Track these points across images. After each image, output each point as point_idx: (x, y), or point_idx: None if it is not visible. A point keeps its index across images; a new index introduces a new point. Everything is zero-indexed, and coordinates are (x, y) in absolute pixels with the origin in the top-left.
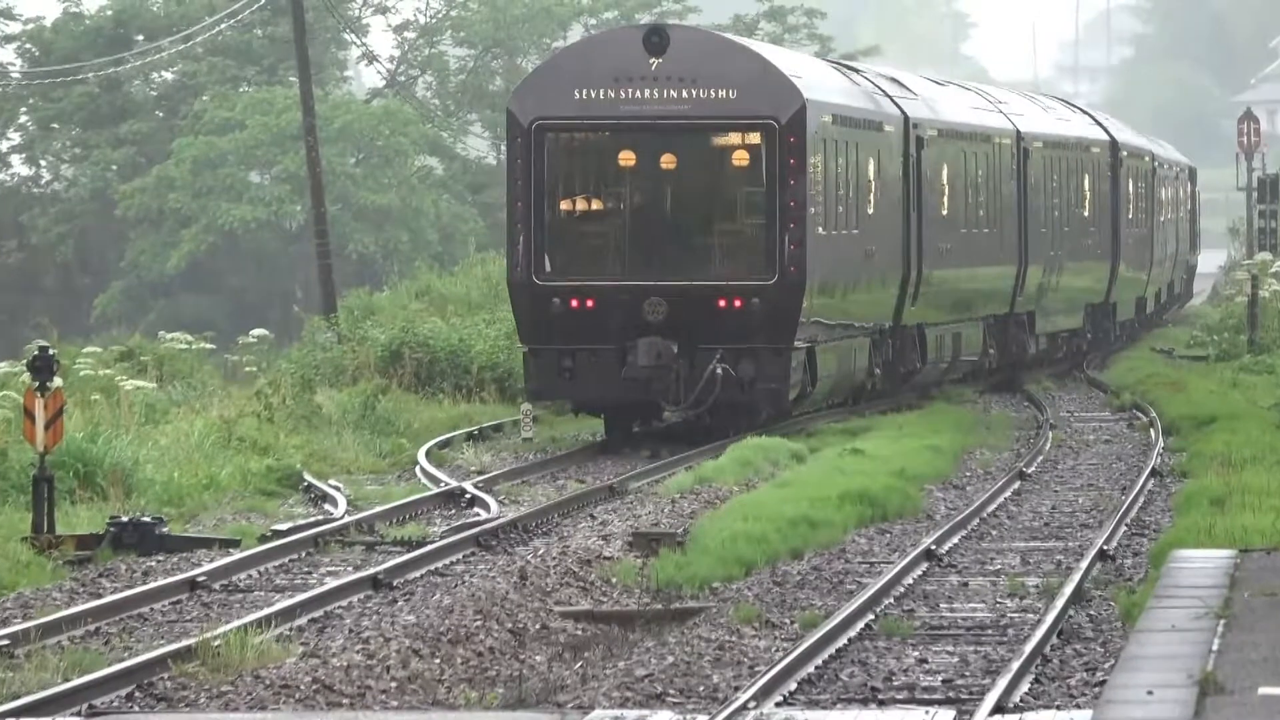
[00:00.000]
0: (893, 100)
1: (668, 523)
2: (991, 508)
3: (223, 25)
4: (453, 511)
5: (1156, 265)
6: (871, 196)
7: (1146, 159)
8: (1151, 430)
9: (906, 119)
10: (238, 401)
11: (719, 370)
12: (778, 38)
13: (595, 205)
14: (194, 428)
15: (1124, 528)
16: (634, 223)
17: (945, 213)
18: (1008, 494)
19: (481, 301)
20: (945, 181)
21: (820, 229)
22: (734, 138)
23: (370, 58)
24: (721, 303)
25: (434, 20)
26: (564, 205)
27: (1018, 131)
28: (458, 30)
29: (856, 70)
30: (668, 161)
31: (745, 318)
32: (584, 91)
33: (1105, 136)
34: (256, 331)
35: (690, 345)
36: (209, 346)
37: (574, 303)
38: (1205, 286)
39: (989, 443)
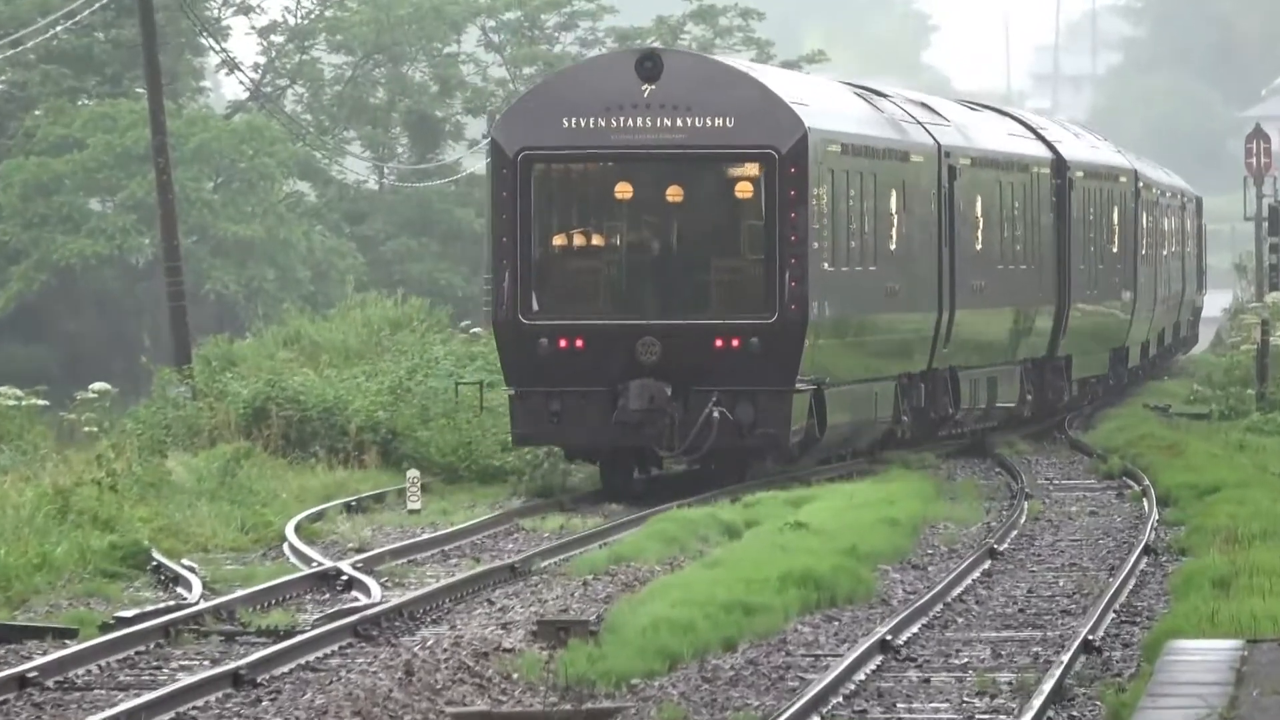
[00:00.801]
0: (924, 128)
1: (579, 608)
2: (957, 591)
3: (58, 28)
4: (327, 596)
5: (1160, 305)
6: (894, 231)
7: (1154, 190)
8: (1144, 501)
9: (939, 148)
10: (75, 467)
11: (715, 414)
12: (708, 43)
13: (585, 240)
14: (24, 498)
15: (1112, 614)
16: (626, 258)
17: (980, 248)
18: (976, 575)
19: (361, 350)
20: (980, 214)
21: (826, 264)
22: (732, 168)
23: (231, 65)
24: (718, 342)
25: (305, 22)
26: (552, 240)
27: (1060, 159)
28: (333, 34)
29: (883, 96)
30: (662, 194)
31: (743, 358)
32: (573, 120)
33: (1128, 165)
34: (97, 385)
35: (685, 387)
36: (41, 403)
37: (562, 343)
38: (1210, 332)
39: (954, 515)
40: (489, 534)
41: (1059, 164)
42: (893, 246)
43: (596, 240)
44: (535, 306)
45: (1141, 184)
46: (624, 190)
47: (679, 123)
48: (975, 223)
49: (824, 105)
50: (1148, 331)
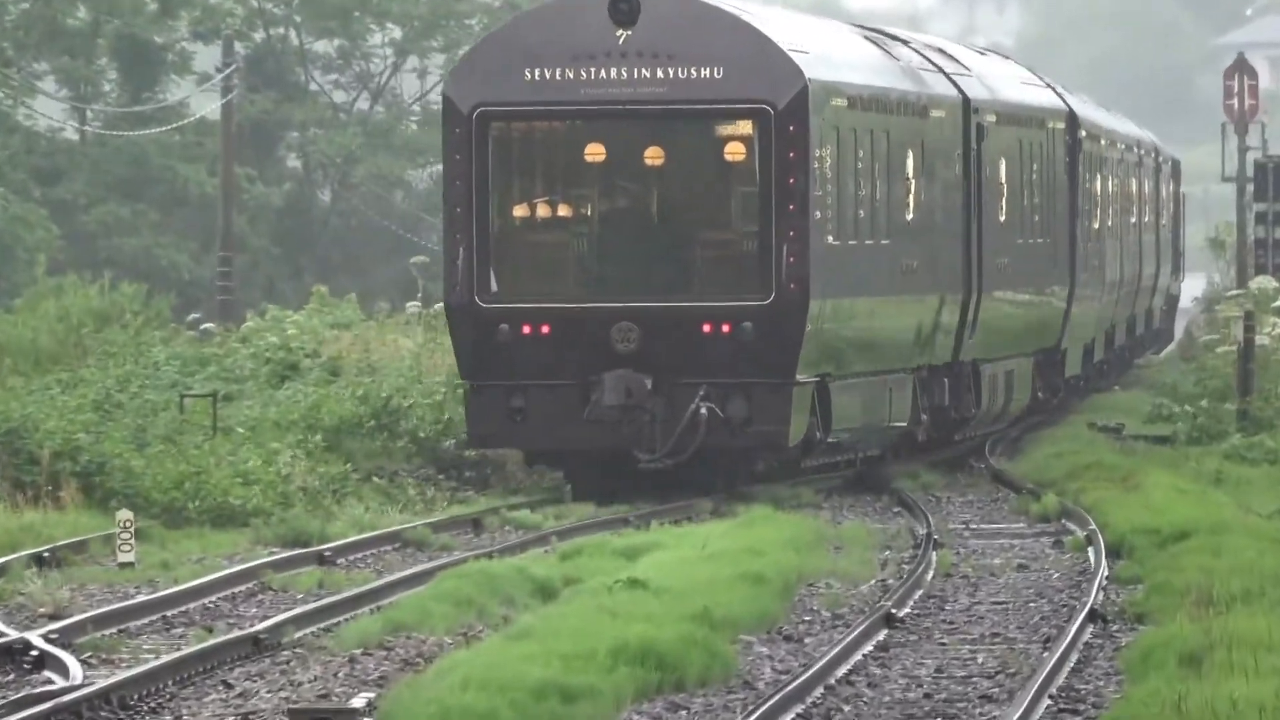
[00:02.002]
0: (948, 78)
1: (343, 693)
2: (843, 670)
3: None
4: (10, 677)
5: (1113, 292)
6: (911, 199)
7: (1101, 141)
8: (1089, 550)
9: (967, 102)
10: None
11: (703, 410)
12: None
13: (551, 210)
14: None
15: (1047, 701)
16: (599, 231)
17: (1003, 219)
18: (868, 649)
19: (56, 353)
20: (1003, 180)
21: (830, 238)
22: (721, 127)
23: None
24: (706, 328)
25: None
26: (513, 210)
27: (1071, 113)
28: None
29: (900, 41)
30: (641, 156)
31: (735, 346)
32: (537, 71)
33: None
34: None
35: (668, 380)
36: None
37: (526, 329)
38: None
39: (840, 569)
40: (225, 595)
41: (1072, 119)
42: (909, 217)
43: (564, 210)
44: (494, 287)
45: (1083, 132)
46: (596, 152)
47: (659, 74)
48: (999, 190)
49: (827, 52)
50: (1094, 328)
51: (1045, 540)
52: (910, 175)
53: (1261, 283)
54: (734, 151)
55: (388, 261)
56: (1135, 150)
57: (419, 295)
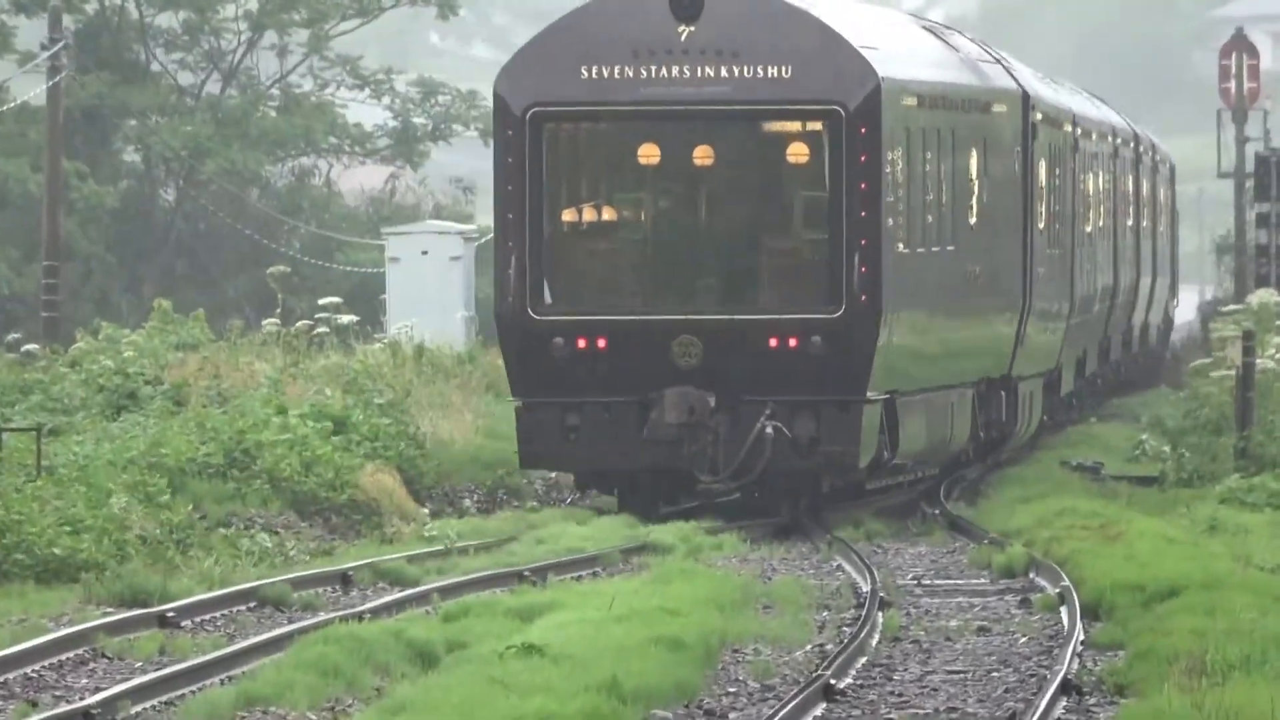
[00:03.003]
0: (1007, 70)
1: None
2: None
3: None
4: None
5: (1084, 312)
6: (975, 201)
7: (1065, 128)
8: (1062, 610)
9: (1026, 98)
10: None
11: (769, 429)
12: None
13: (609, 216)
14: None
15: None
16: (660, 239)
17: (1043, 224)
18: None
19: None
20: (1043, 180)
21: (901, 245)
22: (788, 128)
23: None
24: (773, 342)
25: None
26: (568, 216)
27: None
28: None
29: (952, 30)
30: (703, 159)
31: (803, 361)
32: (594, 69)
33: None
34: None
35: (732, 397)
36: None
37: (582, 342)
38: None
39: (770, 633)
40: (52, 662)
41: (1074, 119)
42: (973, 221)
43: (622, 217)
44: (548, 298)
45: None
46: (656, 155)
47: (723, 72)
48: (1040, 193)
49: (896, 47)
50: (1056, 354)
51: (1010, 598)
52: (974, 176)
53: (1263, 297)
54: (802, 155)
55: (242, 272)
56: (1112, 140)
57: (278, 311)
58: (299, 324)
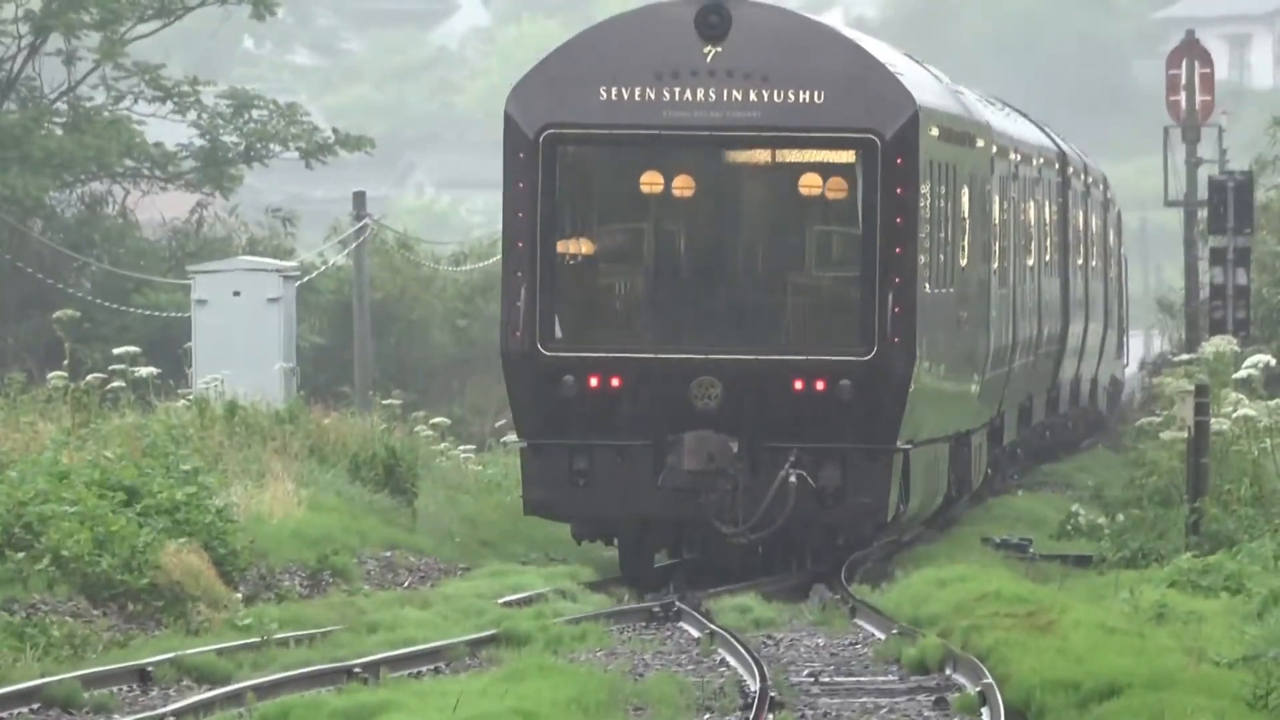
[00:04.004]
0: (983, 104)
1: None
2: None
3: None
4: None
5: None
6: (965, 240)
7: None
8: (985, 713)
9: (990, 128)
10: None
11: (793, 478)
12: None
13: (626, 247)
14: None
15: None
16: (679, 272)
17: (996, 264)
18: None
19: None
20: (966, 212)
21: (927, 285)
22: (820, 157)
23: None
24: (798, 384)
25: None
26: (582, 247)
27: (1061, 152)
28: None
29: (916, 60)
30: (728, 189)
31: (830, 406)
32: (613, 90)
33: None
34: None
35: (754, 443)
36: None
37: (594, 381)
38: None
39: None
40: None
41: (1062, 156)
42: (963, 262)
43: (641, 248)
44: (559, 333)
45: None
46: (679, 183)
47: (752, 96)
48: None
49: (916, 76)
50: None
51: (923, 699)
52: (965, 214)
53: (1218, 345)
54: (835, 186)
55: (24, 317)
56: (1035, 162)
57: (65, 362)
58: (90, 378)
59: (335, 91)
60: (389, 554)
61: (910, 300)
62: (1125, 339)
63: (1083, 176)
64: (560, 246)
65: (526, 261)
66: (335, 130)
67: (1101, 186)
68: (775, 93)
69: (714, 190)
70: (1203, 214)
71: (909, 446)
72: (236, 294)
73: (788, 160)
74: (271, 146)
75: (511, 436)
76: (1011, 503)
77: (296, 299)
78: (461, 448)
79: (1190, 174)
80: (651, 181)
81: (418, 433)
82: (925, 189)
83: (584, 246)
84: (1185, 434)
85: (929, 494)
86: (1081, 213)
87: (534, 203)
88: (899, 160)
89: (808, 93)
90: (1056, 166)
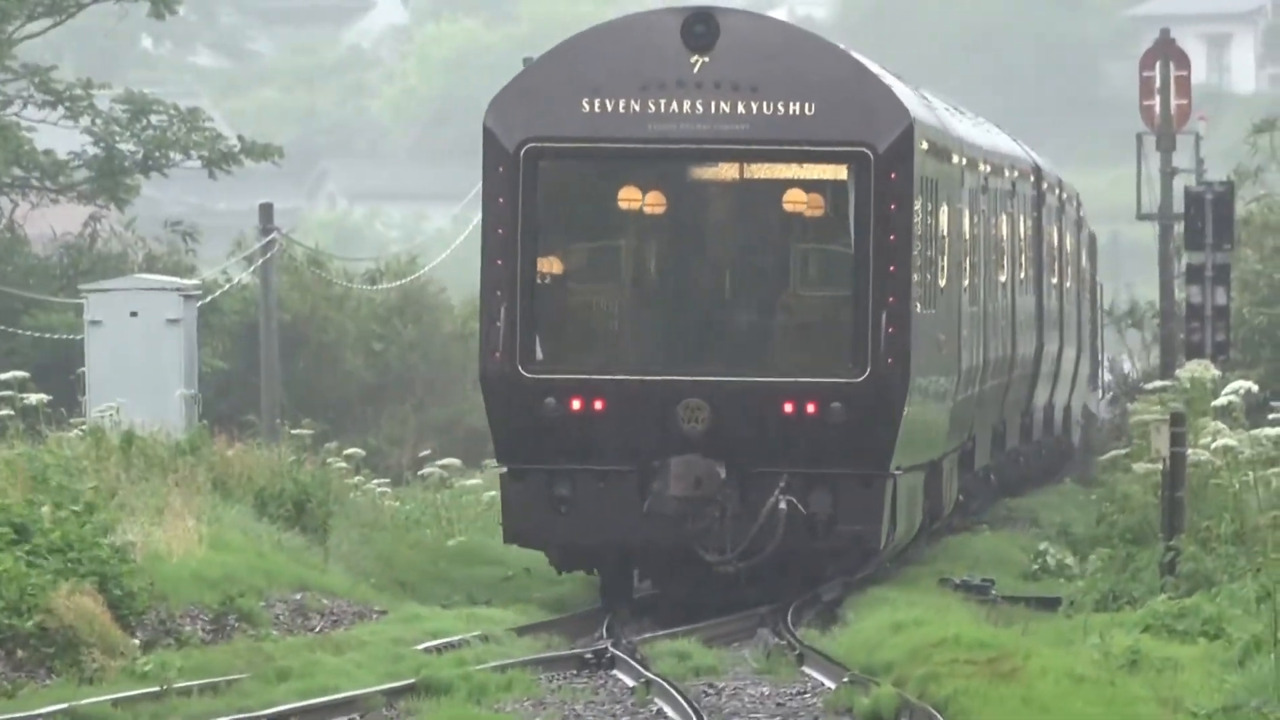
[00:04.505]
0: (956, 113)
1: None
2: None
3: None
4: None
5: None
6: (944, 258)
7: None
8: None
9: (961, 141)
10: None
11: (782, 504)
12: None
13: (609, 265)
14: None
15: None
16: (666, 291)
17: (967, 282)
18: None
19: None
20: (945, 226)
21: (919, 305)
22: (811, 171)
23: None
24: (788, 407)
25: None
26: (565, 265)
27: (1035, 165)
28: None
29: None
30: (716, 204)
31: (821, 430)
32: (596, 102)
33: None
34: None
35: (742, 468)
36: None
37: (576, 404)
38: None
39: None
40: None
41: (1037, 169)
42: (942, 283)
43: (626, 265)
44: (540, 354)
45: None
46: (663, 198)
47: (740, 108)
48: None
49: (902, 87)
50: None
51: None
52: (944, 232)
53: (1196, 370)
54: (825, 201)
55: None
56: (1007, 174)
57: None
58: None
59: (241, 95)
60: (299, 596)
61: (904, 320)
62: (1100, 370)
63: (1056, 191)
64: (541, 264)
65: (506, 280)
66: (240, 137)
67: (1075, 204)
68: (764, 104)
69: (701, 206)
70: (1179, 228)
71: (899, 472)
72: (133, 315)
73: (778, 175)
74: (171, 155)
75: (491, 460)
76: (972, 540)
77: (198, 320)
78: (377, 481)
79: (1165, 185)
80: (636, 197)
81: (330, 465)
82: (918, 205)
83: (566, 264)
84: (1160, 466)
85: (910, 522)
86: (1055, 229)
87: (514, 219)
88: (892, 175)
89: (798, 104)
90: (1031, 179)
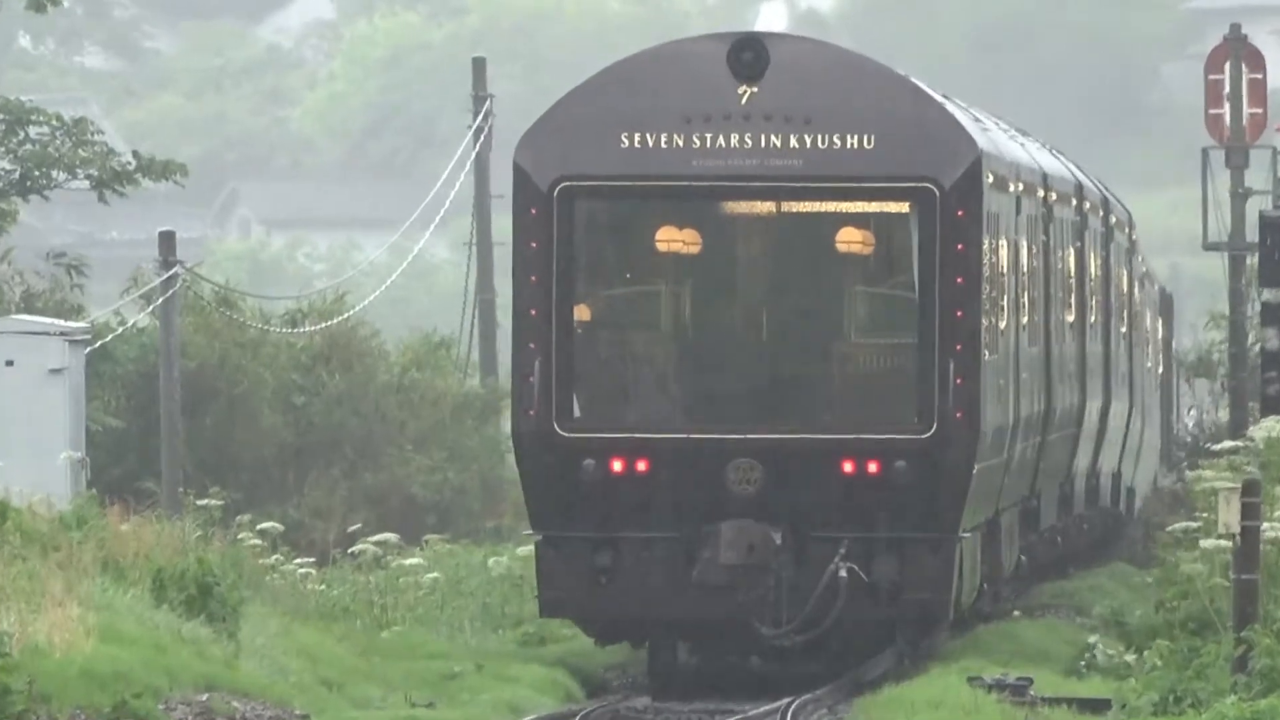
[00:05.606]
0: (1060, 162)
1: None
2: None
3: None
4: None
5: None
6: (1007, 298)
7: None
8: None
9: (1093, 199)
10: None
11: (843, 572)
12: None
13: (652, 313)
14: None
15: None
16: (714, 341)
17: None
18: None
19: None
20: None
21: (987, 352)
22: (870, 209)
23: None
24: (848, 467)
25: None
26: (603, 314)
27: (1079, 184)
28: None
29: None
30: (768, 246)
31: (885, 490)
32: (636, 136)
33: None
34: None
35: (799, 533)
36: None
37: (618, 465)
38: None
39: None
40: None
41: (1079, 189)
42: (1002, 325)
43: (670, 314)
44: (577, 411)
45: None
46: (712, 242)
47: (793, 142)
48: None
49: (965, 115)
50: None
51: None
52: (1005, 270)
53: (1274, 429)
54: (888, 242)
55: None
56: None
57: None
58: None
59: (137, 103)
60: (204, 697)
61: (974, 370)
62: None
63: (1103, 214)
64: (578, 314)
65: (540, 331)
66: (136, 153)
67: (1127, 229)
68: (819, 138)
69: (750, 248)
70: (1252, 260)
71: (967, 535)
72: (9, 364)
73: (834, 213)
74: (54, 174)
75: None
76: (1007, 630)
77: (86, 370)
78: (298, 561)
79: (1236, 208)
80: (681, 239)
81: (242, 542)
82: (987, 244)
83: (605, 313)
84: (1229, 543)
85: (971, 586)
86: (1102, 259)
87: (548, 265)
88: (960, 213)
89: (855, 137)
90: (1087, 205)
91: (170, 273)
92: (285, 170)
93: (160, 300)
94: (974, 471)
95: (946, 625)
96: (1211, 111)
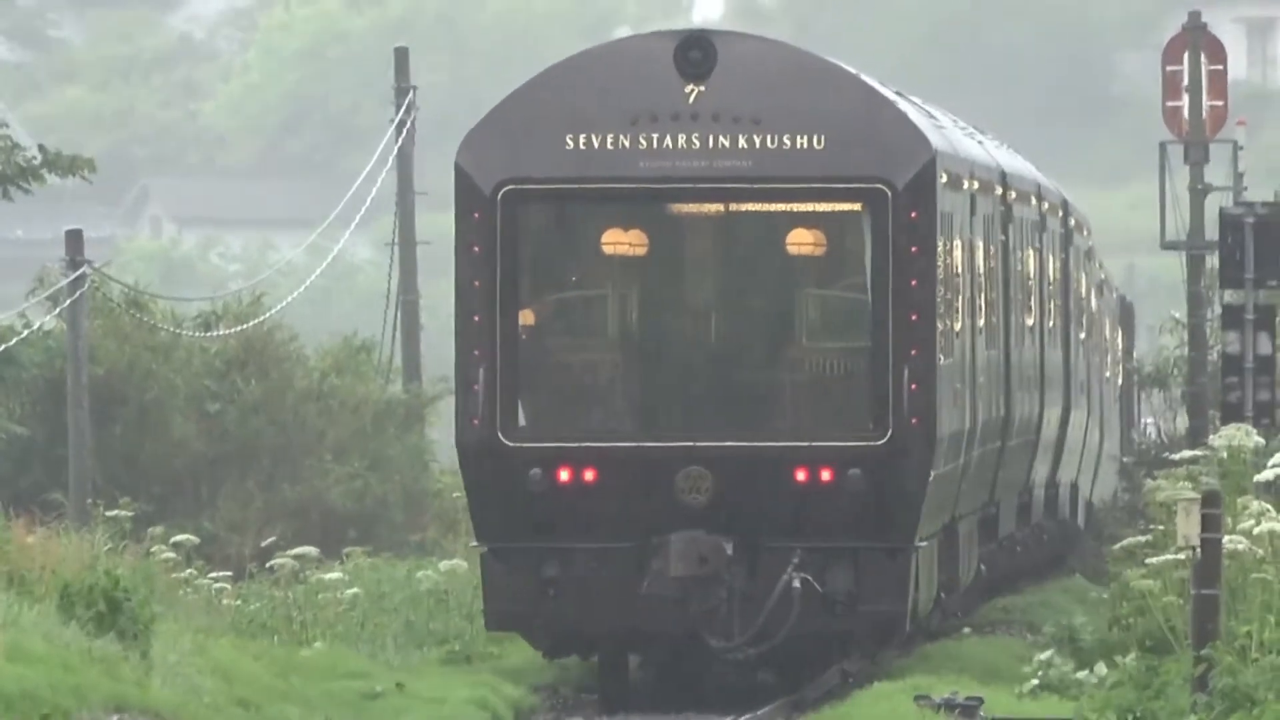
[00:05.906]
0: (1023, 161)
1: None
2: None
3: None
4: None
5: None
6: (960, 300)
7: None
8: None
9: (1052, 199)
10: None
11: (796, 583)
12: None
13: (600, 319)
14: None
15: None
16: (662, 347)
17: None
18: None
19: None
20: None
21: (942, 356)
22: (821, 211)
23: None
24: (800, 475)
25: None
26: (549, 320)
27: (1038, 184)
28: None
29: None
30: (717, 250)
31: (839, 499)
32: (581, 138)
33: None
34: None
35: (751, 543)
36: None
37: (564, 474)
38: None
39: None
40: None
41: (1039, 191)
42: (956, 328)
43: (617, 319)
44: (523, 420)
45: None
46: (658, 244)
47: (741, 142)
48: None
49: (919, 113)
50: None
51: None
52: (959, 271)
53: (1235, 437)
54: (839, 245)
55: None
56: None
57: None
58: None
59: (41, 95)
60: (115, 718)
61: (929, 374)
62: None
63: (1062, 213)
64: (523, 319)
65: (484, 338)
66: (41, 147)
67: (1084, 228)
68: (769, 138)
69: (700, 251)
70: (1212, 260)
71: (924, 544)
72: None
73: (784, 214)
74: None
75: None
76: (955, 648)
77: None
78: (213, 575)
79: (1196, 206)
80: (628, 242)
81: (154, 556)
82: (941, 245)
83: (551, 319)
84: (1188, 557)
85: (929, 596)
86: (1055, 259)
87: (492, 270)
88: (913, 214)
89: (806, 137)
90: (1046, 206)
91: (78, 273)
92: (198, 166)
93: (67, 302)
94: (930, 479)
95: (904, 636)
96: (1169, 104)
